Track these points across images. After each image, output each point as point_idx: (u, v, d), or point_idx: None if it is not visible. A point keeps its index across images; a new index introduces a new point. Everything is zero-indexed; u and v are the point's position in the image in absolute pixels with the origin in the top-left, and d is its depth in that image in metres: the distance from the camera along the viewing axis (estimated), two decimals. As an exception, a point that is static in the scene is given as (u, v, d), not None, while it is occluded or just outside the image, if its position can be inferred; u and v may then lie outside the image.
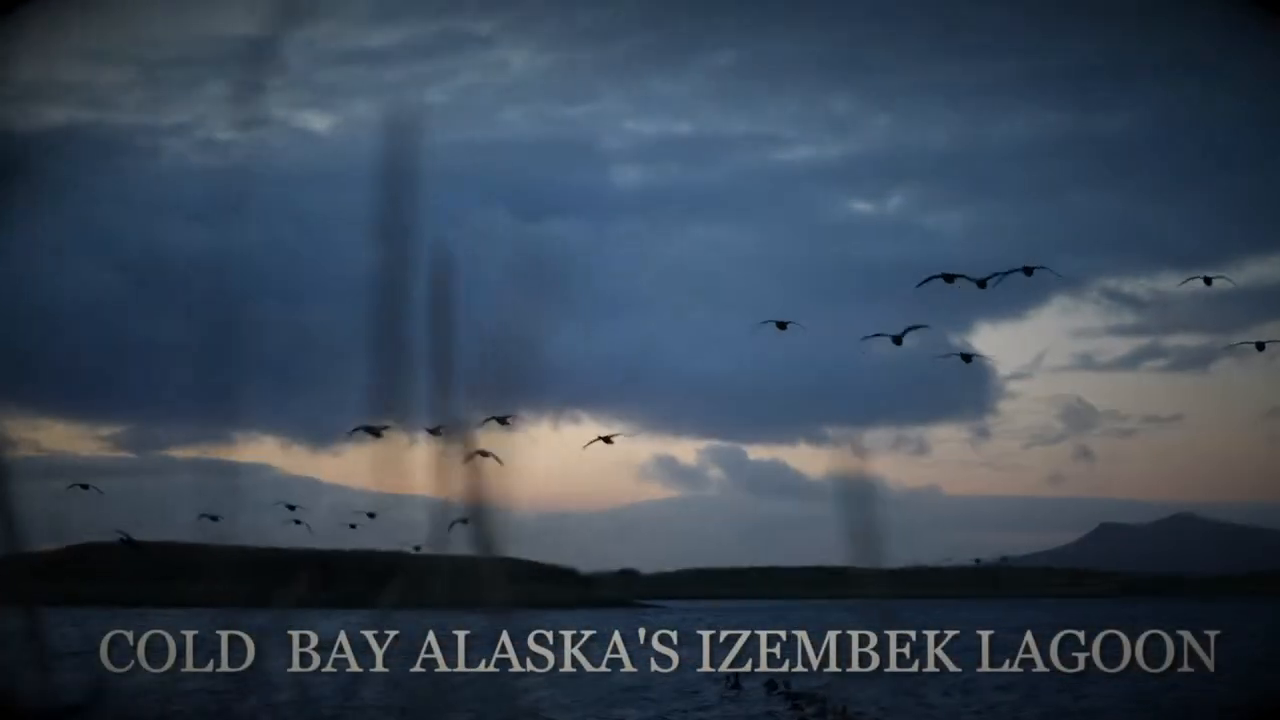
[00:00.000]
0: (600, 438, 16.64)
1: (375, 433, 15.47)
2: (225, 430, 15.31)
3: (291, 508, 24.34)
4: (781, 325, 16.35)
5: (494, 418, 15.87)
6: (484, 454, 16.01)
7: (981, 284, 15.91)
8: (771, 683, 14.52)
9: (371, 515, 22.21)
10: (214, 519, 14.66)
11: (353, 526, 24.79)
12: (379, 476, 15.64)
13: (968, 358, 16.47)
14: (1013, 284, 16.12)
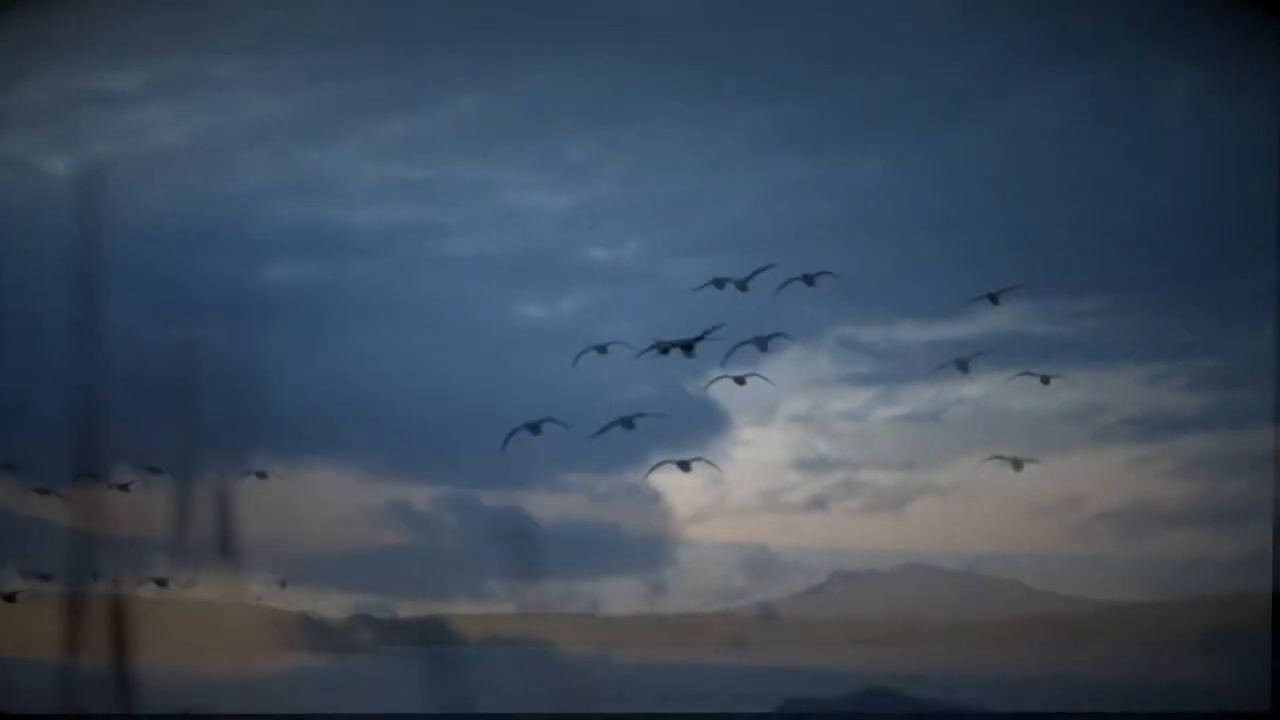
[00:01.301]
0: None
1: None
2: None
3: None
4: (602, 349, 15.49)
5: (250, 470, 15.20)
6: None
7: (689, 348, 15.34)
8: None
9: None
10: None
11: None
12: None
13: (685, 465, 15.78)
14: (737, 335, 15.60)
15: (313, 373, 16.00)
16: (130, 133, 16.58)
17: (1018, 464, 15.85)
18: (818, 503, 16.60)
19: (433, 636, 16.28)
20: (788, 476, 16.75)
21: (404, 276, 16.53)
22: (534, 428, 15.30)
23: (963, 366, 15.94)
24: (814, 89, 16.55)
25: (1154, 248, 16.13)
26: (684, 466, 15.44)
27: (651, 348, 15.24)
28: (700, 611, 16.66)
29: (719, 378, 15.57)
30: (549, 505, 15.95)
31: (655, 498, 16.11)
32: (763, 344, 15.53)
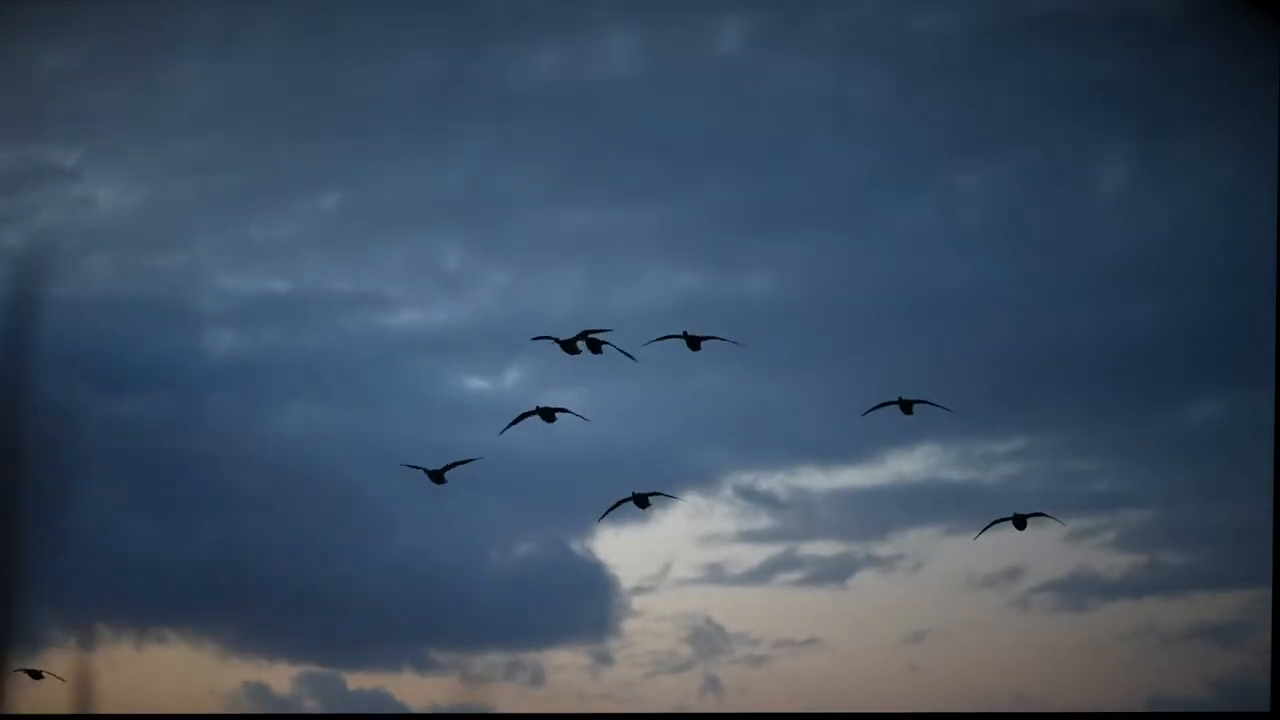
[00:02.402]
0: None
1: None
2: None
3: None
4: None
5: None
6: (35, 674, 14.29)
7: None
8: None
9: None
10: None
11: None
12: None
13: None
14: (632, 480, 14.80)
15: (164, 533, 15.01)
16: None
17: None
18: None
19: None
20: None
21: (262, 415, 15.47)
22: (641, 501, 14.54)
23: None
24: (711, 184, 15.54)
25: (1076, 379, 15.22)
26: None
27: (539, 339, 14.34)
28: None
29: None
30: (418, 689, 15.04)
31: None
32: (643, 501, 14.65)
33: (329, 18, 15.61)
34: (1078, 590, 15.20)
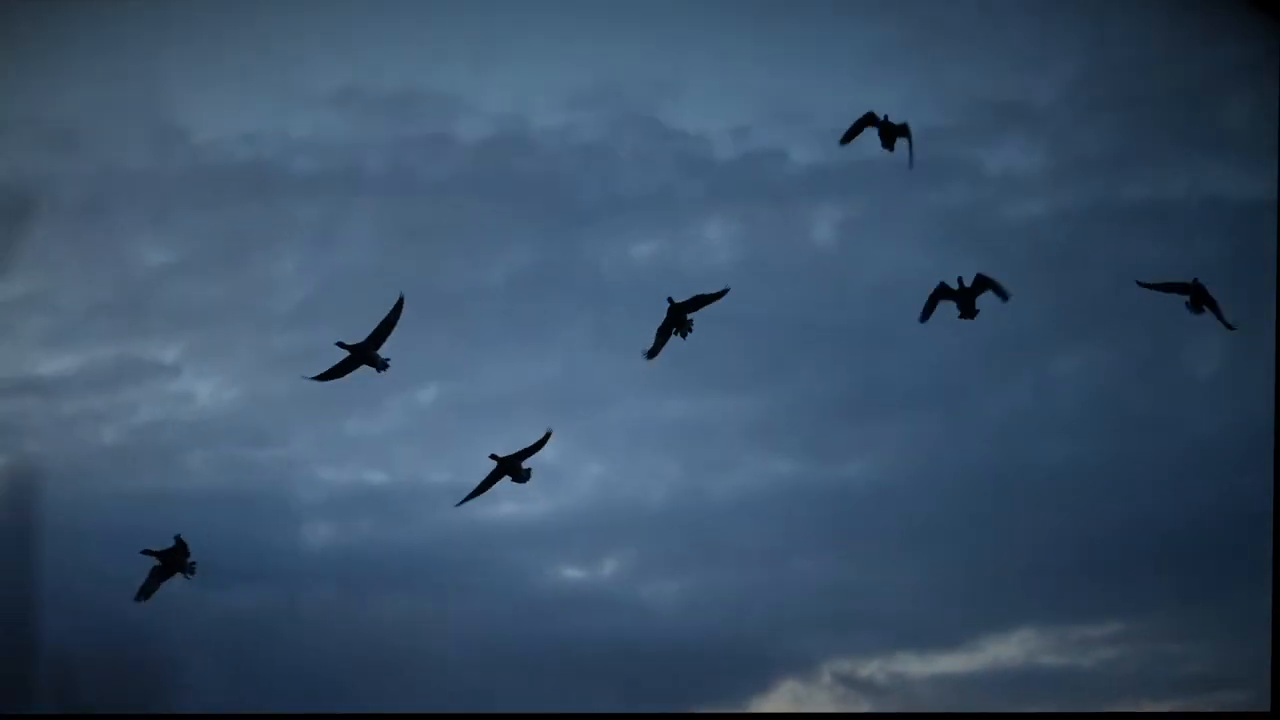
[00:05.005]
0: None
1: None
2: None
3: None
4: None
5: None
6: None
7: None
8: None
9: None
10: None
11: None
12: None
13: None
14: (730, 669, 14.88)
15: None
16: (63, 425, 15.62)
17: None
18: None
19: None
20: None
21: (358, 606, 15.49)
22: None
23: None
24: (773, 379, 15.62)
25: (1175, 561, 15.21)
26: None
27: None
28: None
29: None
30: None
31: None
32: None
33: (422, 210, 15.77)
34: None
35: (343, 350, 14.10)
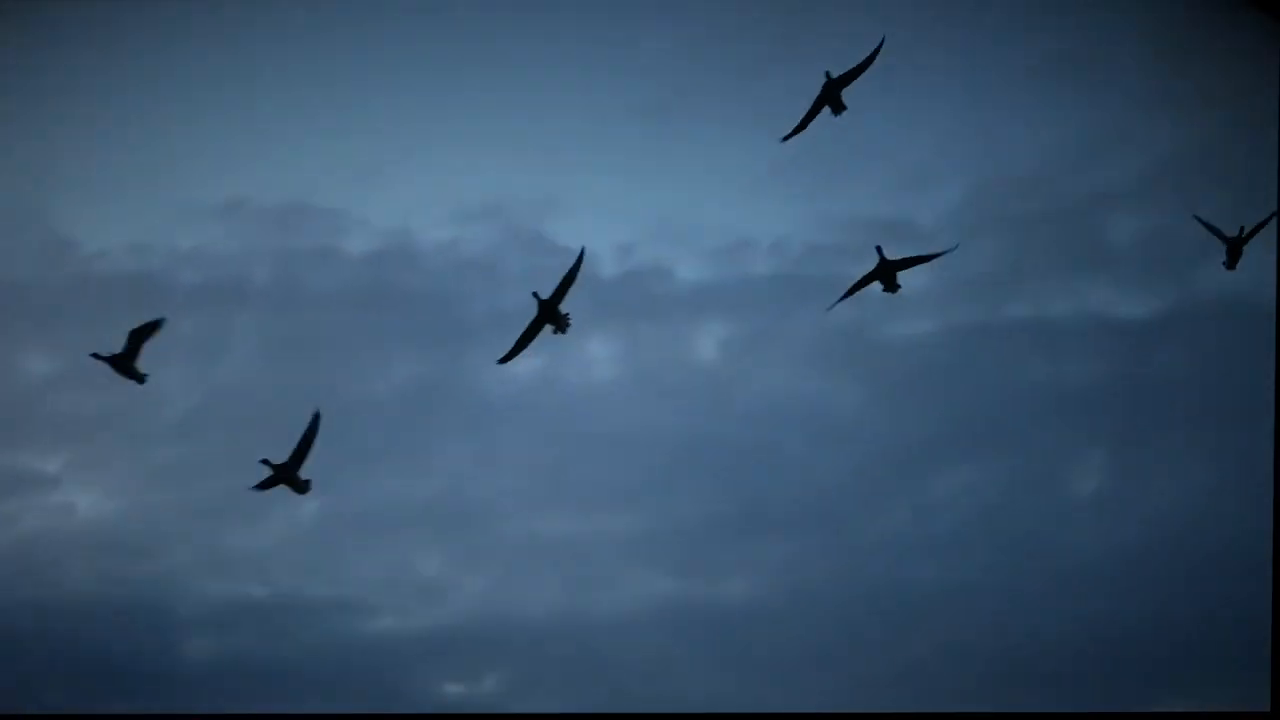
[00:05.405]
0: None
1: None
2: None
3: None
4: None
5: None
6: None
7: None
8: None
9: None
10: None
11: None
12: None
13: None
14: None
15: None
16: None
17: None
18: None
19: None
20: None
21: None
22: None
23: None
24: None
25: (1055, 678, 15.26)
26: None
27: None
28: None
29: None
30: None
31: None
32: None
33: (308, 322, 15.79)
34: None
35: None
